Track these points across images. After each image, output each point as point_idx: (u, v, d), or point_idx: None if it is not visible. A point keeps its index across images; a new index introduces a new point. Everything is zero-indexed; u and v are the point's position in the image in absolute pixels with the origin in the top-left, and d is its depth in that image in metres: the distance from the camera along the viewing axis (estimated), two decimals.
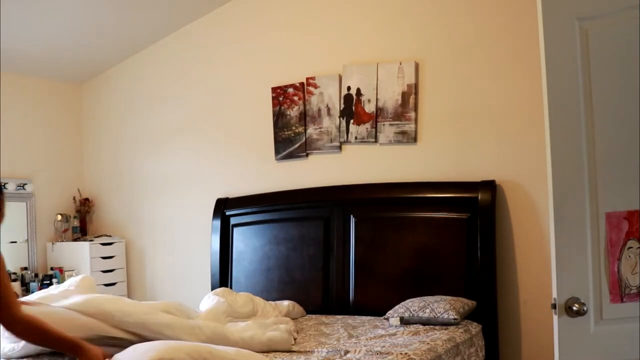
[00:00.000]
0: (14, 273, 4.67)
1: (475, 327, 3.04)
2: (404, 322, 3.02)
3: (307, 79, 4.03)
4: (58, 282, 4.72)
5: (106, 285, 4.78)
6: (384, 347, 2.59)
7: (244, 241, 4.15)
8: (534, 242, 3.25)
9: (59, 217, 5.02)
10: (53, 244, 4.95)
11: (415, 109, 3.63)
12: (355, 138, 3.82)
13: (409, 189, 3.55)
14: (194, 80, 4.64)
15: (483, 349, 3.06)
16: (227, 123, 4.46)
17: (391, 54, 3.73)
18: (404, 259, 3.50)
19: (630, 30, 1.76)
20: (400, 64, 3.67)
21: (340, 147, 3.91)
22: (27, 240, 4.90)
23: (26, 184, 4.86)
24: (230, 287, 4.16)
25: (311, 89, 4.01)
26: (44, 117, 5.10)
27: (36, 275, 4.78)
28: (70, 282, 3.08)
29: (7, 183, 4.72)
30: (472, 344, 2.92)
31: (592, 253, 1.78)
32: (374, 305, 3.46)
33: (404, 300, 3.41)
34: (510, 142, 3.35)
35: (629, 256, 1.77)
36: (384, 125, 3.72)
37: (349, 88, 3.85)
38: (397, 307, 3.12)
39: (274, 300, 3.82)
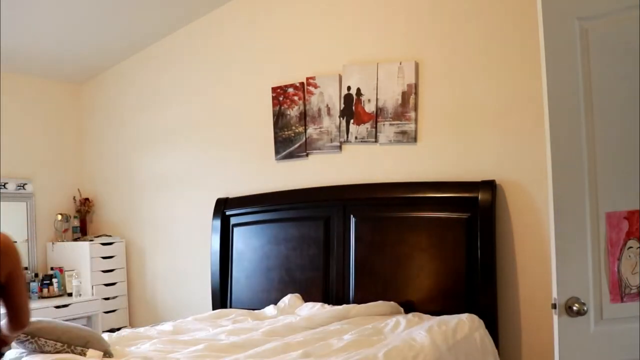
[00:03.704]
0: None
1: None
2: None
3: (307, 79, 4.03)
4: (58, 282, 4.74)
5: (106, 285, 4.79)
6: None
7: (244, 241, 4.15)
8: (534, 242, 3.25)
9: (59, 217, 5.03)
10: (53, 244, 4.95)
11: (415, 109, 3.63)
12: (355, 138, 3.82)
13: (409, 189, 3.55)
14: (194, 80, 4.64)
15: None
16: (227, 123, 4.46)
17: (391, 54, 3.73)
18: (404, 259, 3.50)
19: (630, 30, 1.76)
20: (400, 64, 3.67)
21: (340, 147, 3.91)
22: (27, 240, 4.90)
23: (26, 184, 4.86)
24: (230, 287, 4.16)
25: (311, 88, 4.01)
26: (44, 117, 5.10)
27: (36, 275, 4.78)
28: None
29: (7, 183, 4.72)
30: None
31: (592, 253, 1.78)
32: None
33: (403, 300, 3.42)
34: (510, 141, 3.34)
35: (629, 256, 1.77)
36: (384, 125, 3.71)
37: (349, 88, 3.85)
38: None
39: (274, 300, 3.83)
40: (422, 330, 2.76)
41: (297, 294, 3.78)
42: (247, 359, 2.45)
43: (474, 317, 3.09)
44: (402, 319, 3.06)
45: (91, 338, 2.52)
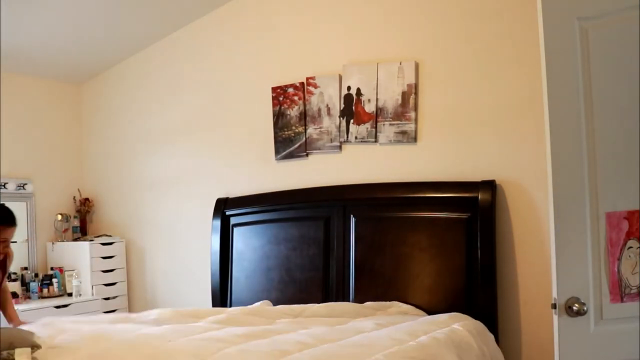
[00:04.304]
0: (14, 273, 4.67)
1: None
2: None
3: (307, 78, 4.03)
4: (58, 282, 4.74)
5: (106, 285, 4.79)
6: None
7: (244, 241, 4.15)
8: (534, 242, 3.25)
9: (59, 217, 5.03)
10: (53, 244, 4.95)
11: (415, 109, 3.63)
12: (355, 138, 3.82)
13: (409, 189, 3.55)
14: (194, 80, 4.65)
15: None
16: (227, 123, 4.46)
17: (391, 54, 3.73)
18: (404, 259, 3.50)
19: (630, 30, 1.76)
20: (400, 64, 3.67)
21: (340, 147, 3.91)
22: (27, 240, 4.90)
23: (26, 184, 4.87)
24: (230, 287, 4.17)
25: (311, 88, 4.01)
26: (44, 117, 5.10)
27: (36, 275, 4.78)
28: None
29: (7, 183, 4.72)
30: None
31: (592, 253, 1.78)
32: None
33: (403, 300, 3.42)
34: (510, 142, 3.34)
35: (629, 256, 1.77)
36: (384, 125, 3.72)
37: (349, 88, 3.85)
38: None
39: (274, 300, 3.83)
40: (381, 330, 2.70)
41: (267, 300, 3.76)
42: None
43: (459, 315, 3.07)
44: (369, 322, 2.97)
45: (14, 338, 2.39)
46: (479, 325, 2.99)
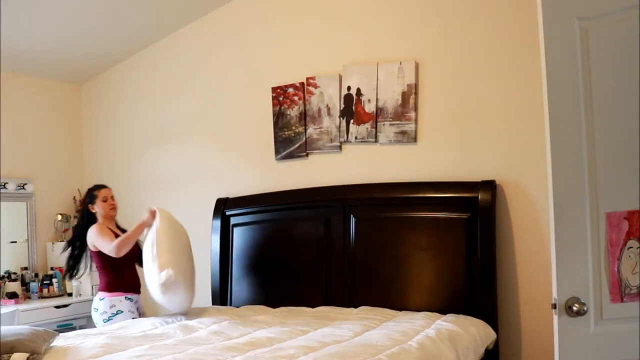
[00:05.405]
0: (14, 273, 4.67)
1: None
2: None
3: (307, 78, 4.03)
4: (58, 282, 4.74)
5: None
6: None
7: (244, 241, 4.15)
8: (534, 242, 3.25)
9: (59, 217, 5.03)
10: (53, 244, 4.95)
11: (415, 109, 3.63)
12: (355, 138, 3.82)
13: (409, 189, 3.55)
14: (194, 80, 4.64)
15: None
16: (227, 123, 4.46)
17: (391, 54, 3.73)
18: (404, 259, 3.50)
19: (630, 30, 1.76)
20: (400, 64, 3.67)
21: (340, 147, 3.91)
22: (27, 240, 4.90)
23: (26, 184, 4.87)
24: (230, 287, 4.17)
25: (311, 88, 4.01)
26: (44, 117, 5.10)
27: (36, 275, 4.78)
28: None
29: (7, 183, 4.72)
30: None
31: (592, 253, 1.78)
32: (374, 305, 3.46)
33: (403, 300, 3.42)
34: (510, 142, 3.34)
35: (629, 256, 1.77)
36: (384, 125, 3.71)
37: (349, 88, 3.85)
38: None
39: (274, 300, 3.83)
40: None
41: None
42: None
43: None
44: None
45: (17, 342, 2.40)
46: (460, 316, 3.11)
